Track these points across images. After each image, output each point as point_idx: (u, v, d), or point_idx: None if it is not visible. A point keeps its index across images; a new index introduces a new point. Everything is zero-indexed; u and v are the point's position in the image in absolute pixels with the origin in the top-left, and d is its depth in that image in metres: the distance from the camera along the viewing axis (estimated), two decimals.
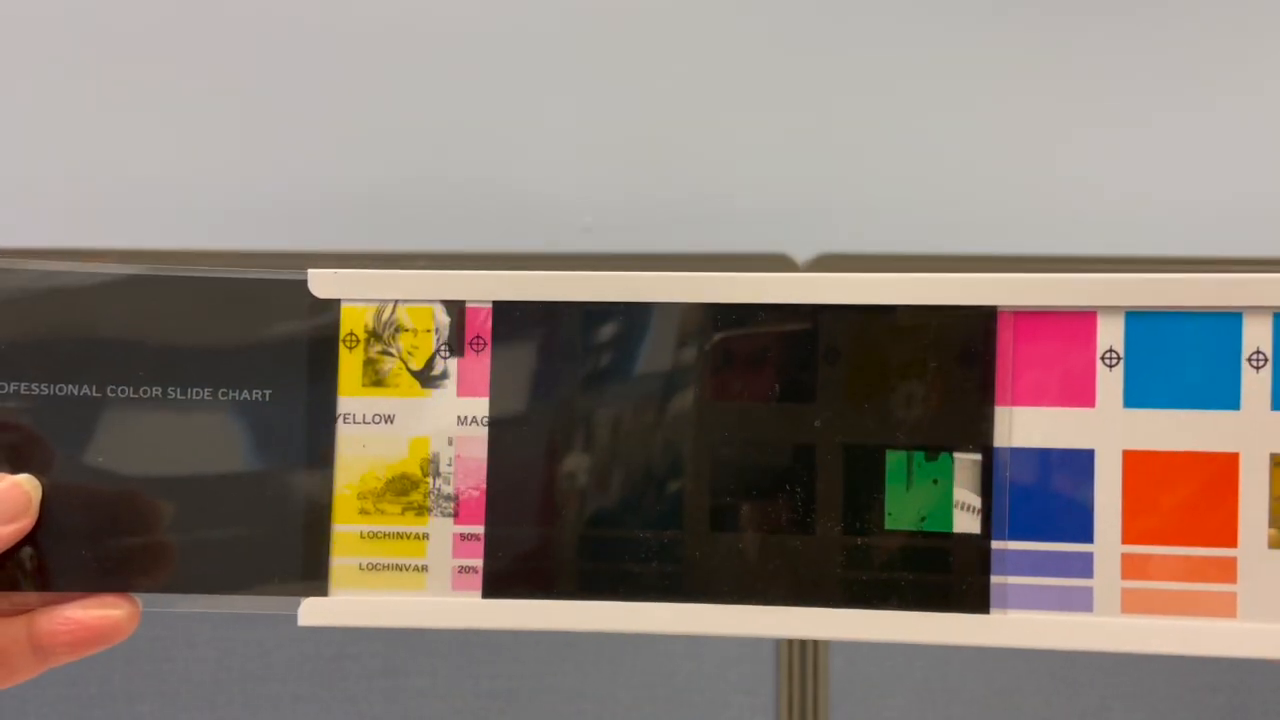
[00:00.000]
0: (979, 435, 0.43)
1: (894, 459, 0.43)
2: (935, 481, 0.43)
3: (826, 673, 0.89)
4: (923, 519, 0.43)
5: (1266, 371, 0.42)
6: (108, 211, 0.99)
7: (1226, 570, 0.42)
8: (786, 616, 0.43)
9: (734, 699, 0.89)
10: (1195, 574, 0.42)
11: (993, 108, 1.00)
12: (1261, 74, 1.00)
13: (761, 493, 0.44)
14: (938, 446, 0.43)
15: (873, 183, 1.00)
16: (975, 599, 0.43)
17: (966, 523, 0.43)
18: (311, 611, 0.44)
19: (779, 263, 0.90)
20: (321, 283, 0.44)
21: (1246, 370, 0.42)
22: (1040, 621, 0.43)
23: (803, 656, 0.88)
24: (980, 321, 0.43)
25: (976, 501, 0.43)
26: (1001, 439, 0.43)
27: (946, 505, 0.43)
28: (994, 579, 0.43)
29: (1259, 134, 1.00)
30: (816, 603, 0.43)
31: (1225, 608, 0.42)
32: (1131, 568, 0.42)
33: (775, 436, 0.44)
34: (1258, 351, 0.42)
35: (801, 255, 0.91)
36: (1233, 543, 0.42)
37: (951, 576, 0.43)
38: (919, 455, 0.43)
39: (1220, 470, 0.42)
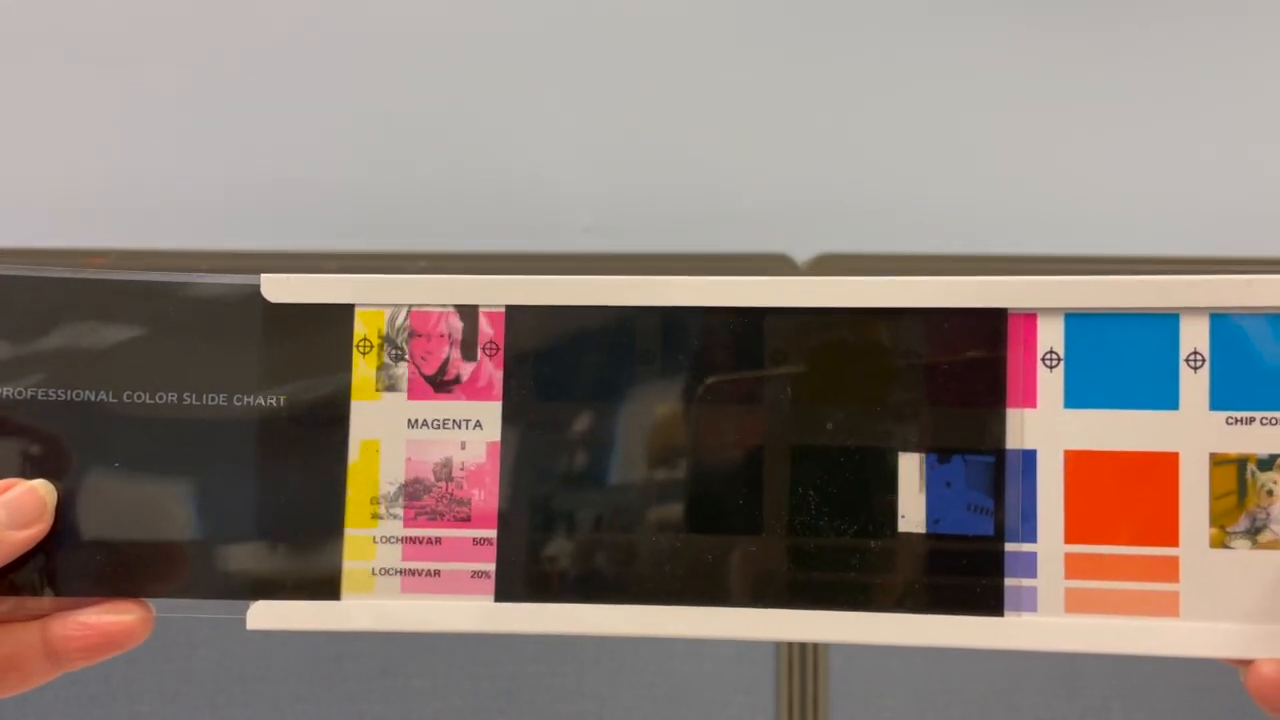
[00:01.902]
0: (991, 438, 0.43)
1: (906, 462, 0.43)
2: (948, 484, 0.43)
3: (826, 673, 0.89)
4: (936, 521, 0.43)
5: (1204, 372, 0.42)
6: (108, 211, 0.99)
7: (1169, 569, 0.42)
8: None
9: (734, 699, 0.89)
10: (1138, 573, 0.42)
11: (993, 108, 1.00)
12: (1262, 75, 1.01)
13: (772, 496, 0.44)
14: (950, 449, 0.43)
15: (873, 183, 1.00)
16: (989, 602, 0.43)
17: (979, 525, 0.43)
18: (259, 615, 0.44)
19: (779, 263, 0.90)
20: (274, 287, 0.44)
21: (1184, 371, 0.43)
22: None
23: (803, 656, 0.89)
24: (990, 323, 0.44)
25: (989, 504, 0.43)
26: (1014, 441, 0.43)
27: (959, 508, 0.43)
28: (1008, 581, 0.43)
29: (1259, 135, 1.00)
30: (830, 606, 0.43)
31: (1168, 607, 0.42)
32: (1075, 567, 0.43)
33: (786, 439, 0.44)
34: (1195, 352, 0.43)
35: (801, 255, 0.91)
36: (1174, 542, 0.42)
37: (965, 579, 0.43)
38: (931, 458, 0.43)
39: (1161, 470, 0.43)
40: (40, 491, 0.42)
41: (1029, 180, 1.00)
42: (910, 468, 0.43)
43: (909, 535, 0.43)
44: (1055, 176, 1.00)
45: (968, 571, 0.43)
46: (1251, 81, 1.00)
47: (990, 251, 0.97)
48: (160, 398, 0.44)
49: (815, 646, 0.89)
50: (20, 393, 0.44)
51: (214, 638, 0.87)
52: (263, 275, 0.45)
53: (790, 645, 0.89)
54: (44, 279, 0.44)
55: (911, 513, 0.43)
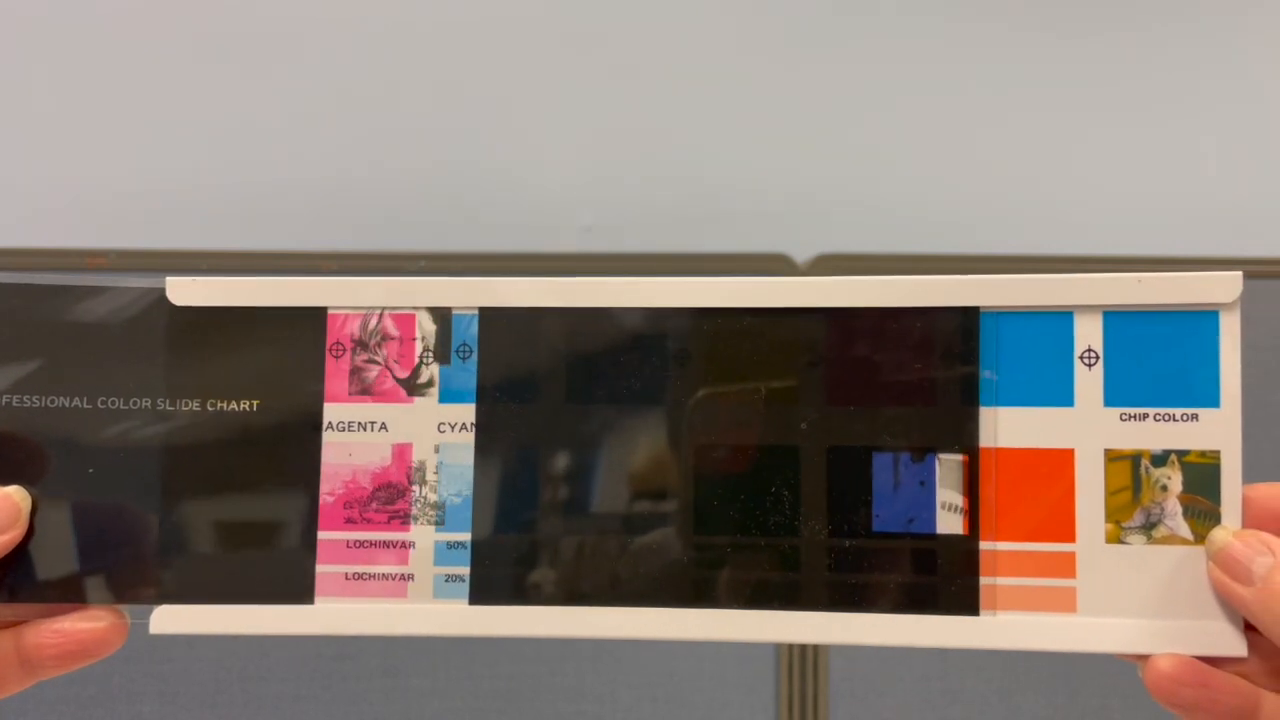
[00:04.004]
0: (964, 436, 0.43)
1: (880, 461, 0.43)
2: (922, 483, 0.43)
3: (826, 672, 0.88)
4: (910, 521, 0.43)
5: (1098, 369, 0.43)
6: (105, 211, 0.99)
7: (1066, 565, 0.43)
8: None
9: (734, 698, 0.89)
10: (1038, 569, 0.43)
11: (992, 109, 1.00)
12: (1258, 77, 1.00)
13: (748, 497, 0.44)
14: (923, 448, 0.43)
15: (873, 183, 0.99)
16: (964, 601, 0.43)
17: (953, 524, 0.43)
18: (163, 619, 0.44)
19: (779, 263, 0.90)
20: (180, 290, 0.45)
21: (1079, 368, 0.43)
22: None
23: (803, 656, 0.88)
24: (962, 322, 0.43)
25: (963, 502, 0.43)
26: (987, 440, 0.43)
27: (933, 507, 0.43)
28: (983, 580, 0.43)
29: (1248, 137, 1.00)
30: (808, 607, 0.43)
31: (1065, 603, 0.43)
32: (981, 564, 0.43)
33: (762, 439, 0.44)
34: (1089, 349, 0.43)
35: (801, 255, 0.91)
36: (1071, 538, 0.43)
37: (940, 578, 0.43)
38: (905, 457, 0.43)
39: (1057, 466, 0.43)
40: (15, 498, 0.42)
41: (1030, 181, 0.99)
42: (884, 468, 0.43)
43: (884, 535, 0.43)
44: (1056, 178, 1.00)
45: (943, 571, 0.43)
46: (1251, 84, 1.00)
47: (990, 252, 0.97)
48: (134, 403, 0.44)
49: (815, 646, 0.89)
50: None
51: (214, 638, 0.88)
52: (167, 278, 0.45)
53: (790, 645, 0.89)
54: (20, 286, 0.44)
55: (886, 512, 0.43)
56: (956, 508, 0.43)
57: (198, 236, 0.99)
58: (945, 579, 0.43)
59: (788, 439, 0.44)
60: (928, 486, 0.43)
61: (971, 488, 0.43)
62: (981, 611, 0.43)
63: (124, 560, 0.44)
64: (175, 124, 1.00)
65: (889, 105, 1.00)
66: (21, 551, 0.43)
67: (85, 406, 0.44)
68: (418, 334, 0.44)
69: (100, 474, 0.44)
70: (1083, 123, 1.00)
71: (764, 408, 0.44)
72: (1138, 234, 0.98)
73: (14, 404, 0.44)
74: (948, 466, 0.43)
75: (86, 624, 0.42)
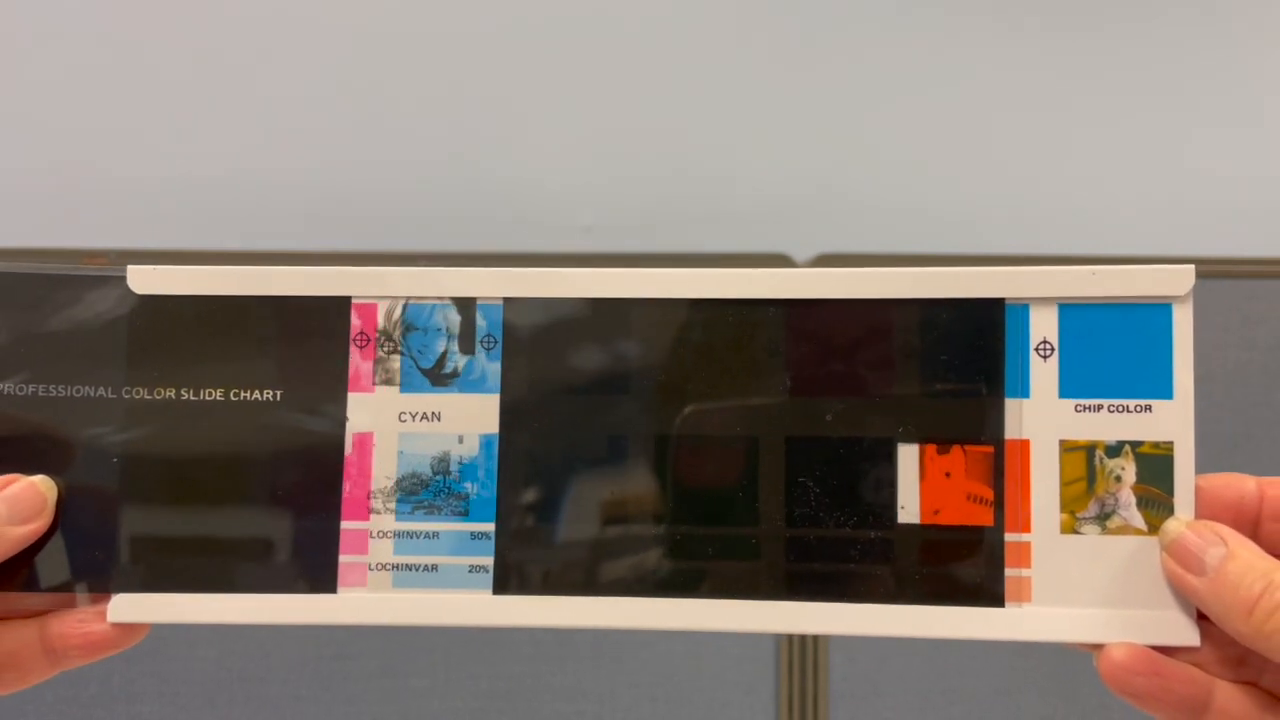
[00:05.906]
0: (990, 427, 0.43)
1: (905, 452, 0.43)
2: (947, 475, 0.43)
3: (826, 671, 0.89)
4: (936, 512, 0.43)
5: (1053, 361, 0.43)
6: (106, 211, 0.99)
7: (1022, 555, 0.43)
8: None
9: (734, 698, 0.89)
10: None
11: (993, 109, 1.00)
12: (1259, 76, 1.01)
13: (771, 488, 0.43)
14: (949, 439, 0.43)
15: (873, 182, 1.00)
16: (990, 592, 0.43)
17: (979, 516, 0.43)
18: (119, 608, 0.43)
19: (779, 262, 0.90)
20: (141, 278, 0.44)
21: (1035, 359, 0.43)
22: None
23: (803, 655, 0.89)
24: (987, 314, 0.44)
25: (989, 494, 0.43)
26: (1013, 431, 0.43)
27: (959, 498, 0.43)
28: (1008, 571, 0.43)
29: (1251, 137, 1.00)
30: (830, 598, 0.43)
31: (1021, 592, 0.43)
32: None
33: (786, 431, 0.44)
34: (1044, 341, 0.43)
35: (801, 255, 0.91)
36: (1026, 528, 0.43)
37: (966, 570, 0.43)
38: (931, 448, 0.43)
39: (1015, 457, 0.43)
40: (40, 487, 0.42)
41: (1033, 181, 1.00)
42: (909, 458, 0.43)
43: (909, 527, 0.43)
44: (1055, 178, 1.00)
45: (968, 562, 0.43)
46: (1250, 83, 1.01)
47: (990, 251, 0.98)
48: (158, 394, 0.44)
49: (815, 646, 0.89)
50: (21, 388, 0.44)
51: (214, 638, 0.87)
52: (129, 267, 0.44)
53: (790, 644, 0.89)
54: (43, 276, 0.44)
55: (911, 504, 0.43)
56: (982, 499, 0.43)
57: (199, 236, 0.98)
58: (972, 570, 0.43)
59: (813, 430, 0.44)
60: (953, 478, 0.43)
61: (997, 479, 0.43)
62: (1007, 603, 0.43)
63: (145, 551, 0.43)
64: (177, 124, 1.00)
65: (889, 105, 1.00)
66: (46, 542, 0.42)
67: (110, 396, 0.44)
68: (442, 324, 0.44)
69: (126, 464, 0.43)
70: (1083, 123, 1.00)
71: (788, 399, 0.44)
72: (1142, 234, 0.98)
73: (39, 394, 0.44)
74: (973, 458, 0.43)
75: (111, 615, 0.42)
